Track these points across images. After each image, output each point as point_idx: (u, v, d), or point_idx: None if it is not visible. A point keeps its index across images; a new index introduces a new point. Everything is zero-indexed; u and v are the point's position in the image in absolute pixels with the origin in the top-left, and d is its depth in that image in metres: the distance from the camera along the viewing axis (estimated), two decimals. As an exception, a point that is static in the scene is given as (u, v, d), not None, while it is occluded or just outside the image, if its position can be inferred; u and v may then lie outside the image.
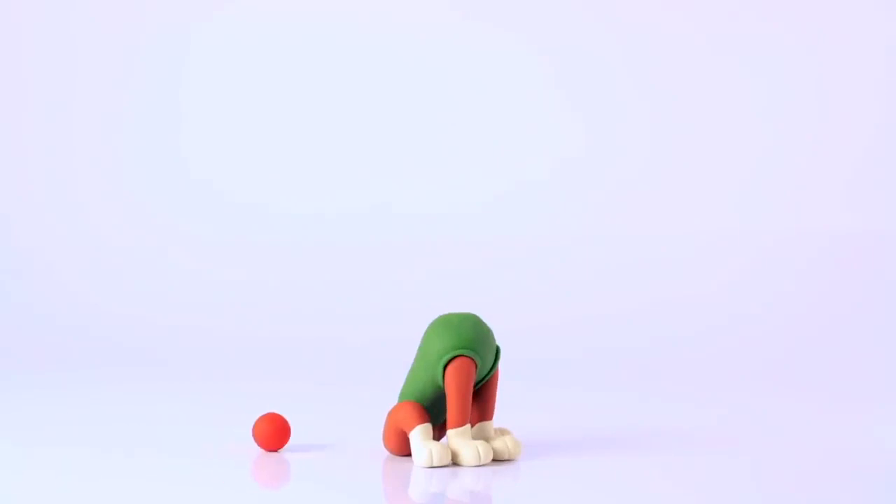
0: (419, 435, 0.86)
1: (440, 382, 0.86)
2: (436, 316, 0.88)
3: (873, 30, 1.81)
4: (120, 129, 1.97)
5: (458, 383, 0.85)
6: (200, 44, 1.96)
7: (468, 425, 0.86)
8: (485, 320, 0.88)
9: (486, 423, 0.89)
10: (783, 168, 1.79)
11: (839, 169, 1.75)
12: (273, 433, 0.90)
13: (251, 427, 0.90)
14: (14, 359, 1.58)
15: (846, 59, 1.84)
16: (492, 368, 0.88)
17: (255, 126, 1.93)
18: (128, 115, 1.96)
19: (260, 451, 0.93)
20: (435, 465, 0.85)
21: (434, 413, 0.89)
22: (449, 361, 0.85)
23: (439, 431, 0.90)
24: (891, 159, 1.72)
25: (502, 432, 0.90)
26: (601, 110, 1.91)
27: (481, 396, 0.89)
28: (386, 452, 0.90)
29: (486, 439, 0.88)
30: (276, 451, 0.91)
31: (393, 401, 0.90)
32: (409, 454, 0.88)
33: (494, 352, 0.88)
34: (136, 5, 1.97)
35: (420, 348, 0.87)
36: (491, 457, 0.87)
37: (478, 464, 0.86)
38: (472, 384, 0.86)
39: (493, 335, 0.87)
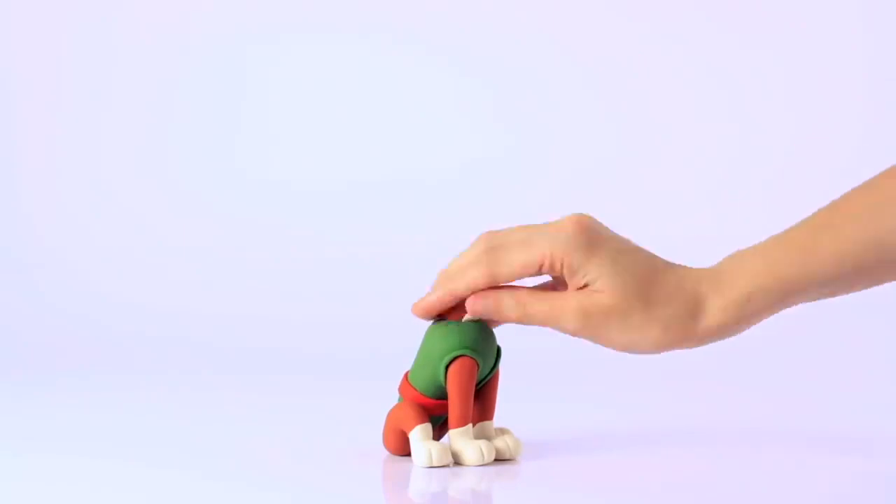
0: (419, 435, 0.86)
1: (442, 382, 0.86)
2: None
3: (870, 31, 1.81)
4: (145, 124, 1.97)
5: (459, 383, 0.85)
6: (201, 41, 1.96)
7: (470, 425, 0.86)
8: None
9: (486, 423, 0.89)
10: (783, 169, 1.79)
11: (837, 169, 1.75)
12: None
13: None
14: (43, 358, 1.57)
15: (845, 60, 1.84)
16: (493, 369, 0.88)
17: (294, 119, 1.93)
18: (157, 110, 1.96)
19: (259, 451, 0.93)
20: (435, 464, 0.85)
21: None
22: (451, 361, 0.85)
23: (439, 431, 0.89)
24: (887, 159, 1.72)
25: (502, 431, 0.89)
26: (603, 111, 1.91)
27: (482, 396, 0.88)
28: (386, 452, 0.90)
29: (487, 439, 0.88)
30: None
31: (393, 400, 0.90)
32: (409, 454, 0.88)
33: (495, 352, 0.88)
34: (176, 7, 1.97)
35: (421, 348, 0.87)
36: (493, 456, 0.87)
37: (481, 463, 0.86)
38: (473, 384, 0.86)
39: (494, 336, 0.87)
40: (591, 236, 0.82)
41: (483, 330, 0.87)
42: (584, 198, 1.67)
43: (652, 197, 1.82)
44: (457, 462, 0.86)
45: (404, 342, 1.11)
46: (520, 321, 0.84)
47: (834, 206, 0.82)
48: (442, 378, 0.86)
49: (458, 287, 0.84)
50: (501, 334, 0.89)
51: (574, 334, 0.83)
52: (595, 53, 1.91)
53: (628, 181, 1.84)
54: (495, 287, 0.84)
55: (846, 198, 0.82)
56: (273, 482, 0.82)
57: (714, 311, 0.81)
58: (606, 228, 0.84)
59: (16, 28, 1.98)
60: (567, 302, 0.82)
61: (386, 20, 1.96)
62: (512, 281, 0.84)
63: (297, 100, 1.96)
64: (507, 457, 0.88)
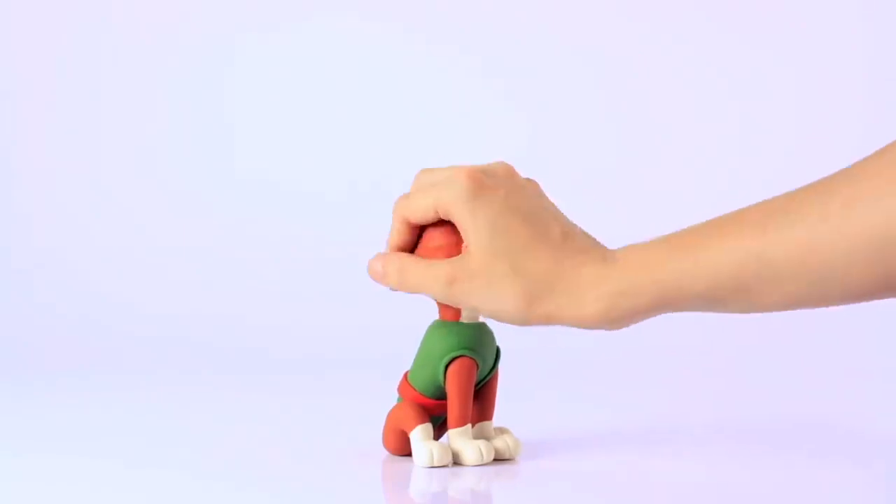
0: (420, 435, 0.86)
1: (441, 382, 0.86)
2: (437, 316, 0.88)
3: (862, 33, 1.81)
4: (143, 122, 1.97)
5: (459, 383, 0.85)
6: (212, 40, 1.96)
7: (469, 425, 0.86)
8: (486, 321, 0.88)
9: (485, 423, 0.89)
10: (783, 169, 1.79)
11: (837, 169, 1.75)
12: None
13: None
14: (43, 358, 1.57)
15: (845, 60, 1.84)
16: (492, 369, 0.88)
17: (290, 117, 1.93)
18: (158, 107, 1.96)
19: (259, 451, 0.93)
20: (435, 464, 0.85)
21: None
22: (450, 362, 0.85)
23: (438, 431, 0.89)
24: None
25: (501, 431, 0.89)
26: (603, 111, 1.91)
27: (481, 397, 0.88)
28: (386, 452, 0.90)
29: (487, 439, 0.88)
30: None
31: (393, 400, 0.90)
32: (409, 454, 0.88)
33: (495, 353, 0.88)
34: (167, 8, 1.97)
35: (420, 348, 0.87)
36: (493, 456, 0.87)
37: (480, 463, 0.86)
38: (473, 384, 0.86)
39: (494, 336, 0.87)
40: (480, 191, 0.80)
41: (482, 330, 0.87)
42: (584, 198, 1.68)
43: (652, 197, 1.82)
44: (456, 462, 0.86)
45: (404, 342, 1.11)
46: (400, 288, 0.84)
47: (730, 215, 0.77)
48: (441, 378, 0.86)
49: (391, 241, 0.85)
50: (501, 334, 0.89)
51: (442, 300, 0.82)
52: (595, 53, 1.91)
53: (628, 181, 1.84)
54: (390, 256, 0.84)
55: (746, 208, 0.77)
56: (273, 482, 0.82)
57: (589, 299, 0.77)
58: (511, 183, 0.81)
59: (16, 28, 1.98)
60: (438, 270, 0.80)
61: (386, 20, 1.96)
62: (423, 223, 0.83)
63: (297, 100, 1.96)
64: (507, 457, 0.88)
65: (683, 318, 1.48)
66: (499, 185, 0.81)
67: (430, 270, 0.81)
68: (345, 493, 0.79)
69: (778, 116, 1.85)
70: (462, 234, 0.81)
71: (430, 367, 0.86)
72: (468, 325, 0.86)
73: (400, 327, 1.28)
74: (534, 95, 1.92)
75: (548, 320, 0.79)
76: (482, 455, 0.86)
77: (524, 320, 0.80)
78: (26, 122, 1.97)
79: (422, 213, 0.82)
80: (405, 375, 0.89)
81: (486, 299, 0.80)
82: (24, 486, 0.81)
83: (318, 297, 1.77)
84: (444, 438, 0.89)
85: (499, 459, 0.88)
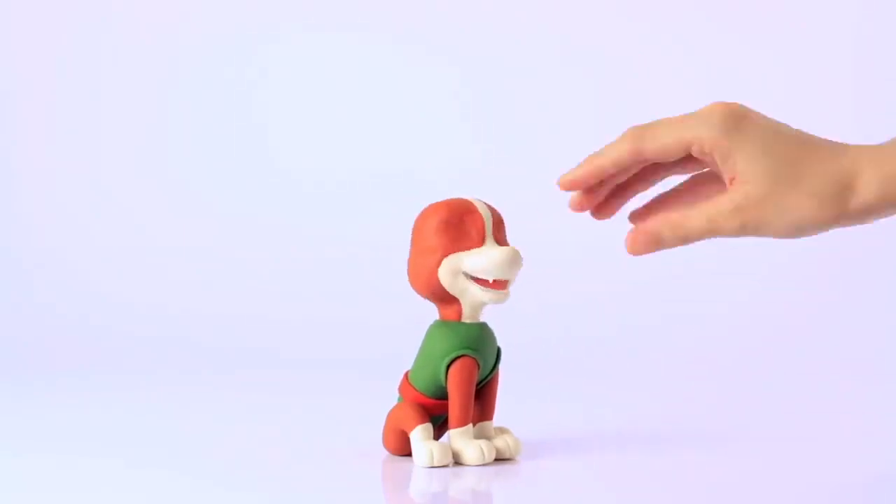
0: (420, 434, 0.86)
1: (442, 382, 0.86)
2: (437, 316, 0.88)
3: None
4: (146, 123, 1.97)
5: (460, 383, 0.85)
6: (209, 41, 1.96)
7: (470, 425, 0.86)
8: (487, 321, 0.88)
9: (486, 423, 0.89)
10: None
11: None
12: None
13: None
14: (43, 358, 1.57)
15: (845, 61, 1.84)
16: (493, 369, 0.88)
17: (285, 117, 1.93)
18: (153, 109, 1.97)
19: (259, 451, 0.93)
20: (435, 464, 0.85)
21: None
22: (452, 361, 0.85)
23: (439, 431, 0.89)
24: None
25: (502, 431, 0.90)
26: (603, 111, 1.91)
27: (482, 397, 0.89)
28: (386, 452, 0.90)
29: (487, 438, 0.88)
30: None
31: (393, 400, 0.90)
32: (409, 454, 0.88)
33: (496, 353, 0.88)
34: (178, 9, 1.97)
35: (422, 348, 0.87)
36: (494, 455, 0.87)
37: (481, 463, 0.86)
38: (474, 384, 0.86)
39: (494, 336, 0.87)
40: (739, 119, 0.79)
41: (484, 330, 0.87)
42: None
43: (651, 196, 1.82)
44: (457, 462, 0.86)
45: (404, 342, 1.12)
46: (683, 244, 0.81)
47: None
48: (443, 378, 0.86)
49: (604, 161, 0.81)
50: (501, 335, 0.89)
51: (737, 236, 0.80)
52: (595, 53, 1.91)
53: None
54: (650, 222, 0.80)
55: None
56: (273, 482, 0.82)
57: (871, 184, 0.77)
58: (754, 111, 0.81)
59: (16, 28, 1.98)
60: (721, 207, 0.79)
61: (387, 20, 1.96)
62: (658, 158, 0.81)
63: (297, 101, 1.96)
64: (507, 456, 0.88)
65: (684, 319, 1.48)
66: (749, 111, 0.81)
67: (713, 212, 0.79)
68: (345, 493, 0.79)
69: (777, 116, 1.85)
70: (727, 166, 0.79)
71: (431, 367, 0.86)
72: (469, 325, 0.86)
73: (400, 327, 1.28)
74: (534, 95, 1.92)
75: (839, 220, 0.79)
76: (483, 455, 0.86)
77: (818, 226, 0.79)
78: (26, 122, 1.97)
79: (666, 149, 0.80)
80: (406, 375, 0.89)
81: (780, 217, 0.79)
82: (24, 486, 0.81)
83: (318, 297, 1.77)
84: (444, 438, 0.89)
85: (499, 459, 0.88)
